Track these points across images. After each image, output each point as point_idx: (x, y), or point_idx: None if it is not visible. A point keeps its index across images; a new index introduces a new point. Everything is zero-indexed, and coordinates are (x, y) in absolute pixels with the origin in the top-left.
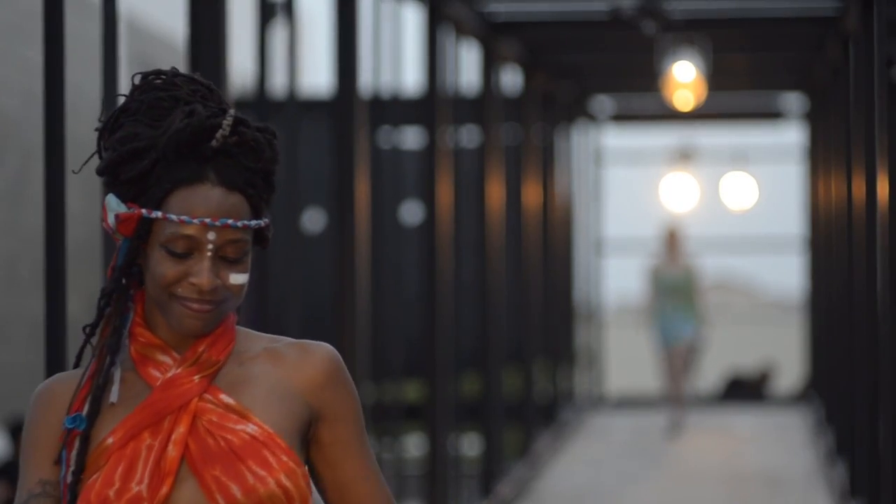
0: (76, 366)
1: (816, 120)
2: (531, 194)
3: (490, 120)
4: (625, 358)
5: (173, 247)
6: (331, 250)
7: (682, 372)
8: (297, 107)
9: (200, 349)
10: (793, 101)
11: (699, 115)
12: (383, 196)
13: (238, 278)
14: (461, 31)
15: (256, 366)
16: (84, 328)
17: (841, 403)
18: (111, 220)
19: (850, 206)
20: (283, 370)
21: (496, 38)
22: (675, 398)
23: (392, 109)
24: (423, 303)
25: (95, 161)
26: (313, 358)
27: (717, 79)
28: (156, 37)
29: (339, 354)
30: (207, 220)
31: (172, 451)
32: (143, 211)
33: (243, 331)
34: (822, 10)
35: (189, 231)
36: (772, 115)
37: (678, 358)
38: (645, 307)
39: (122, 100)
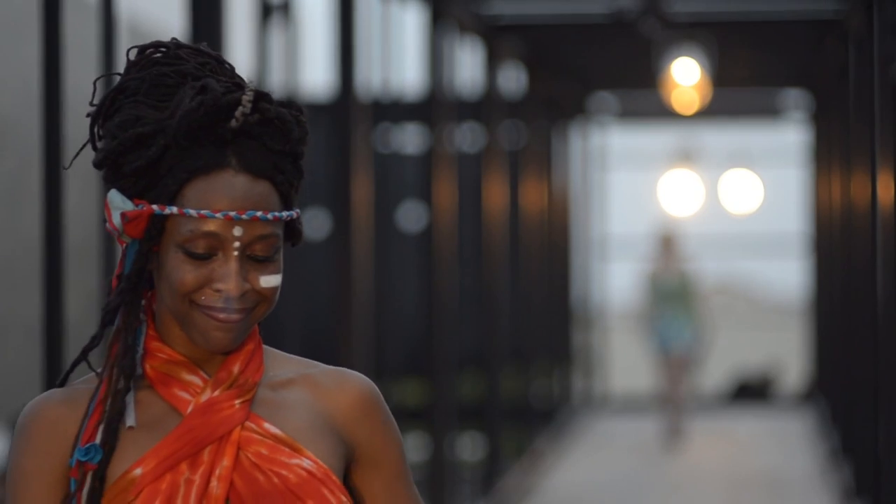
0: (62, 384)
1: (821, 121)
2: (533, 195)
3: (492, 120)
4: (628, 360)
5: (193, 247)
6: (331, 253)
7: (679, 378)
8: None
9: (234, 369)
10: (796, 101)
11: (702, 115)
12: (386, 197)
13: (271, 280)
14: (463, 30)
15: (293, 392)
16: (87, 348)
17: (846, 404)
18: (116, 219)
19: (851, 206)
20: (322, 401)
21: (498, 38)
22: (672, 405)
23: (393, 110)
24: (424, 305)
25: (88, 154)
26: (348, 387)
27: (719, 79)
28: (155, 37)
29: (377, 389)
30: (232, 214)
31: (217, 489)
32: (155, 207)
33: (269, 350)
34: (825, 13)
35: (211, 227)
36: (774, 115)
37: (676, 364)
38: (640, 313)
39: (117, 79)
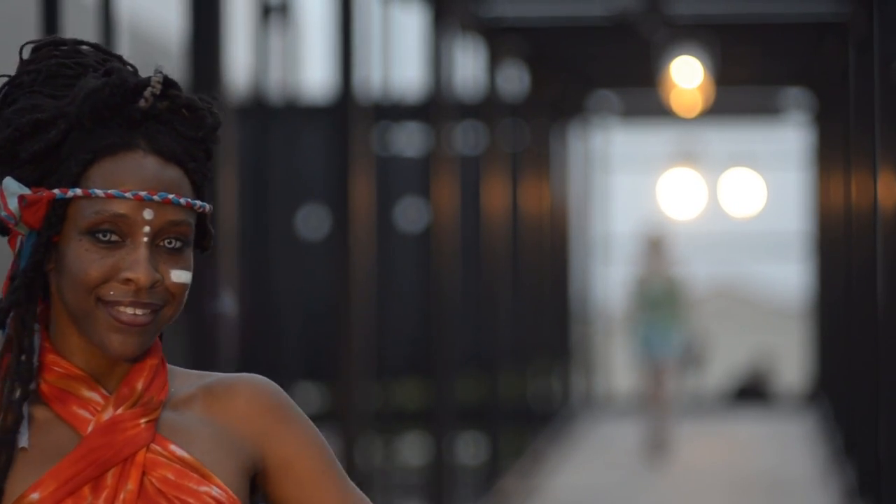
0: None
1: (822, 122)
2: (534, 195)
3: (493, 120)
4: (628, 361)
5: (98, 231)
6: (331, 253)
7: (663, 387)
8: (296, 111)
9: (138, 385)
10: (798, 103)
11: (704, 115)
12: (386, 197)
13: (181, 276)
14: (464, 31)
15: (195, 410)
16: None
17: (849, 404)
18: (13, 205)
19: (853, 207)
20: (221, 414)
21: (500, 38)
22: (655, 415)
23: (394, 110)
24: (425, 306)
25: None
26: (242, 393)
27: (721, 80)
28: (154, 38)
29: (276, 387)
30: (143, 194)
31: None
32: (56, 191)
33: (169, 367)
34: (827, 15)
35: (120, 209)
36: (776, 116)
37: (660, 372)
38: (626, 319)
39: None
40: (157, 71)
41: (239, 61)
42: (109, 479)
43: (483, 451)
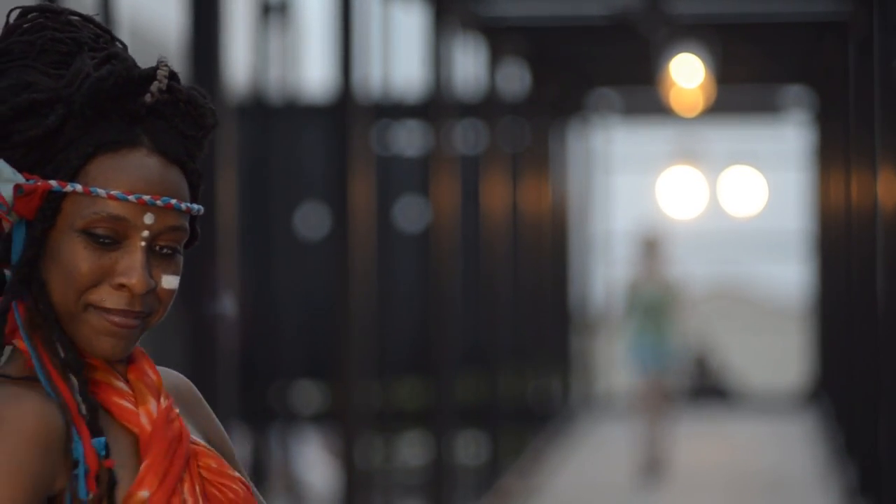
0: None
1: (822, 121)
2: (534, 194)
3: (493, 119)
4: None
5: (95, 231)
6: (331, 253)
7: (658, 404)
8: (296, 110)
9: (152, 374)
10: (798, 102)
11: (705, 114)
12: (386, 197)
13: (172, 281)
14: (465, 30)
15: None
16: None
17: (849, 404)
18: (6, 192)
19: (853, 207)
20: (189, 408)
21: (500, 37)
22: (651, 433)
23: (394, 109)
24: (425, 305)
25: None
26: (188, 383)
27: (721, 79)
28: (154, 37)
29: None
30: (147, 198)
31: None
32: (54, 183)
33: None
34: (827, 14)
35: (120, 211)
36: (776, 116)
37: (654, 388)
38: (620, 326)
39: None
40: (163, 63)
41: (239, 60)
42: (184, 471)
43: (483, 451)
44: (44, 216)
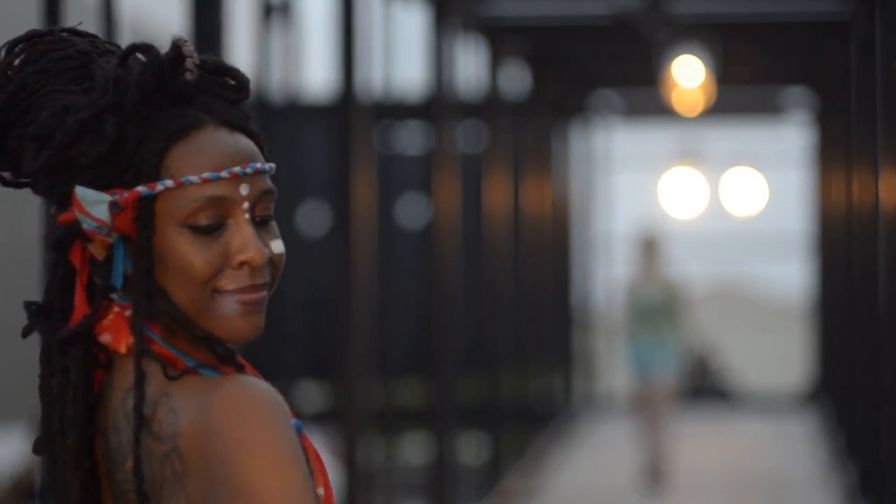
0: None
1: (824, 121)
2: (535, 194)
3: (494, 119)
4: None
5: (198, 221)
6: (332, 251)
7: (660, 412)
8: (298, 110)
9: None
10: (800, 102)
11: (706, 114)
12: (388, 196)
13: (279, 245)
14: (466, 30)
15: None
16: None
17: (851, 404)
18: (102, 214)
19: (854, 207)
20: None
21: (501, 38)
22: (652, 442)
23: (396, 109)
24: (426, 305)
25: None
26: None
27: (723, 79)
28: (156, 38)
29: None
30: (237, 170)
31: None
32: (143, 188)
33: None
34: (828, 14)
35: (217, 191)
36: (778, 116)
37: (656, 395)
38: (619, 330)
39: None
40: (182, 40)
41: (241, 60)
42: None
43: (485, 451)
44: (143, 224)
